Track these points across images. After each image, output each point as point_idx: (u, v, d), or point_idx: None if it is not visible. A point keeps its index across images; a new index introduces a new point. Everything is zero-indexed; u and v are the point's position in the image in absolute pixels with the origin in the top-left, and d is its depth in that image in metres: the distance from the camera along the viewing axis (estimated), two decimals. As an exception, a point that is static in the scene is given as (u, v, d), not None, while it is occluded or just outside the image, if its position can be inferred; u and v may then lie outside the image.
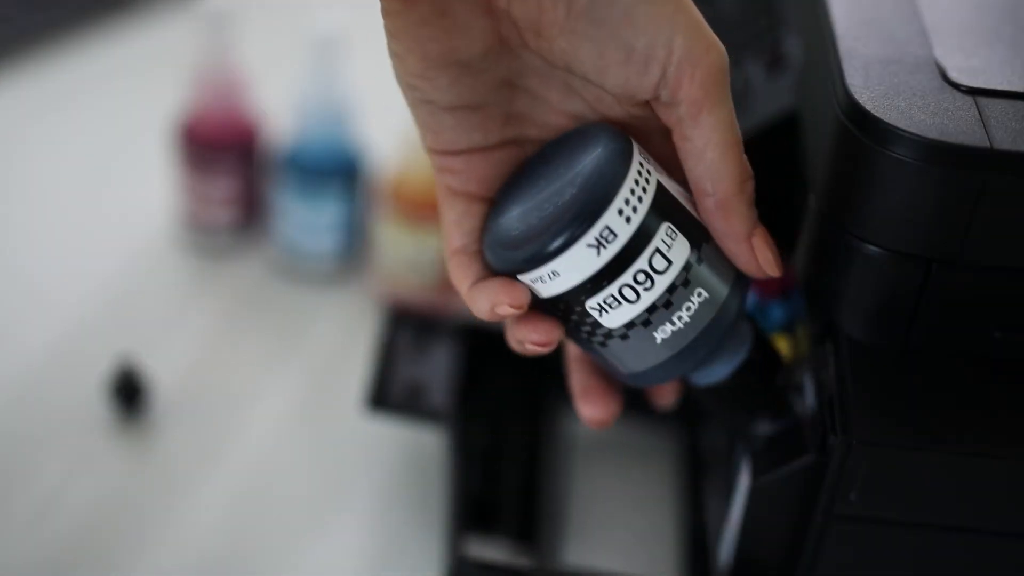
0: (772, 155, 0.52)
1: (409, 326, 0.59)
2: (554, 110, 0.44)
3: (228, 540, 0.56)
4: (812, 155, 0.46)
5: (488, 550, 0.53)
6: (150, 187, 0.76)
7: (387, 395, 0.56)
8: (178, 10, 0.90)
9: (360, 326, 0.68)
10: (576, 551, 0.56)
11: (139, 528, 0.57)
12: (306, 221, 0.69)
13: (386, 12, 0.40)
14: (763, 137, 0.52)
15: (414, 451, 0.61)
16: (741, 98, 0.53)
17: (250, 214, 0.73)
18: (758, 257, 0.42)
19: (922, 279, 0.42)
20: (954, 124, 0.40)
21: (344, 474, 0.60)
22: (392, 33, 0.41)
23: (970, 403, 0.43)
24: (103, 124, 0.81)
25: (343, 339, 0.68)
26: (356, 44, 0.69)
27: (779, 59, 0.52)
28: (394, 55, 0.42)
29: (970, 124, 0.40)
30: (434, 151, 0.43)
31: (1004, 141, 0.40)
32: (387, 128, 0.68)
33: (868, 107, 0.41)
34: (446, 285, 0.66)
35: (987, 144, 0.40)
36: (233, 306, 0.70)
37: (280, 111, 0.70)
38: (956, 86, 0.42)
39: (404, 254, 0.67)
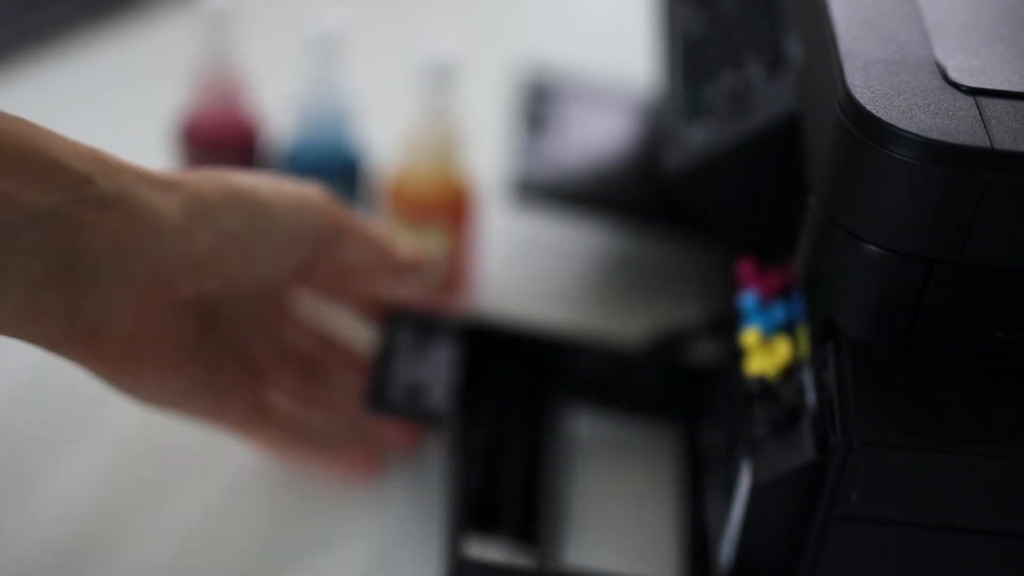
0: (772, 155, 0.52)
1: (409, 325, 0.59)
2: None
3: (223, 540, 0.56)
4: (812, 155, 0.46)
5: (488, 550, 0.53)
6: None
7: (387, 395, 0.56)
8: (178, 10, 0.90)
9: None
10: (576, 551, 0.56)
11: (137, 528, 0.57)
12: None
13: (111, 381, 0.48)
14: (763, 138, 0.52)
15: (414, 452, 0.61)
16: (741, 99, 0.53)
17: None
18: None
19: (922, 279, 0.42)
20: (955, 124, 0.40)
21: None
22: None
23: (971, 403, 0.43)
24: (103, 124, 0.81)
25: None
26: (356, 44, 0.69)
27: (779, 59, 0.52)
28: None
29: (971, 124, 0.40)
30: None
31: (1005, 141, 0.40)
32: (387, 128, 0.68)
33: (869, 107, 0.41)
34: (446, 285, 0.66)
35: (988, 144, 0.40)
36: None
37: (280, 111, 0.70)
38: (957, 86, 0.42)
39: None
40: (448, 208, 0.64)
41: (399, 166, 0.65)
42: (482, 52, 0.83)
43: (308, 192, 0.52)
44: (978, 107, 0.41)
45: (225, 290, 0.49)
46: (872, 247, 0.43)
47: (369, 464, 0.58)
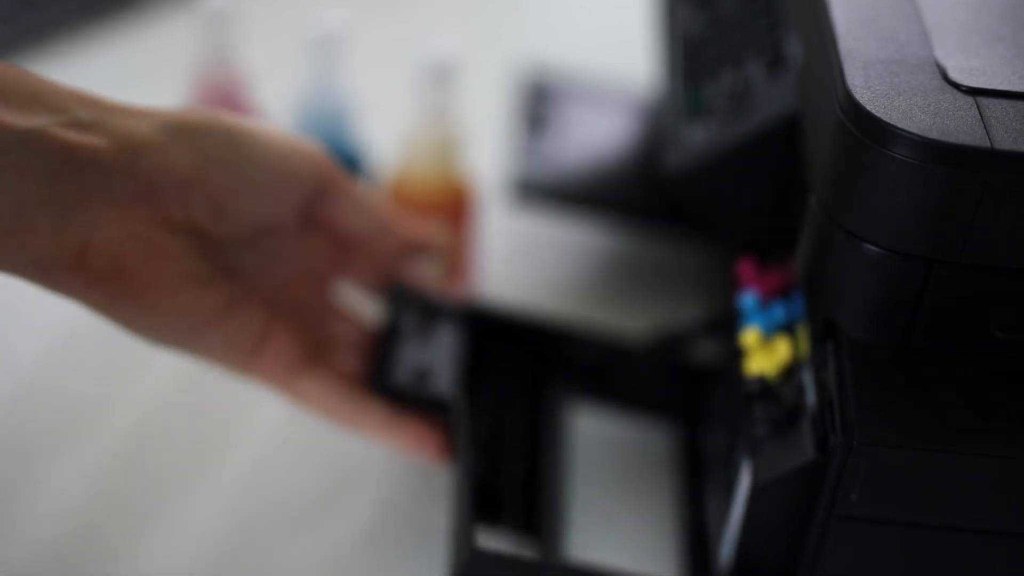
0: (772, 155, 0.52)
1: (414, 306, 0.58)
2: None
3: (229, 537, 0.56)
4: (812, 155, 0.46)
5: (495, 541, 0.53)
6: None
7: (393, 377, 0.55)
8: (178, 10, 0.90)
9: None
10: (576, 546, 0.56)
11: (137, 529, 0.57)
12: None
13: (104, 305, 0.48)
14: (763, 138, 0.52)
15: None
16: (742, 99, 0.53)
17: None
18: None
19: (922, 279, 0.42)
20: (955, 124, 0.40)
21: (346, 469, 0.60)
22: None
23: (971, 403, 0.43)
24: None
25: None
26: (356, 44, 0.69)
27: (779, 60, 0.52)
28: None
29: (971, 124, 0.40)
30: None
31: (1005, 141, 0.40)
32: (387, 128, 0.68)
33: (869, 107, 0.41)
34: (446, 285, 0.66)
35: (987, 144, 0.40)
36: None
37: (280, 111, 0.70)
38: (957, 86, 0.42)
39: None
40: (448, 208, 0.64)
41: (399, 166, 0.65)
42: (482, 52, 0.83)
43: (300, 140, 0.52)
44: (978, 107, 0.41)
45: (217, 219, 0.49)
46: (872, 247, 0.43)
47: (438, 439, 0.55)
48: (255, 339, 0.51)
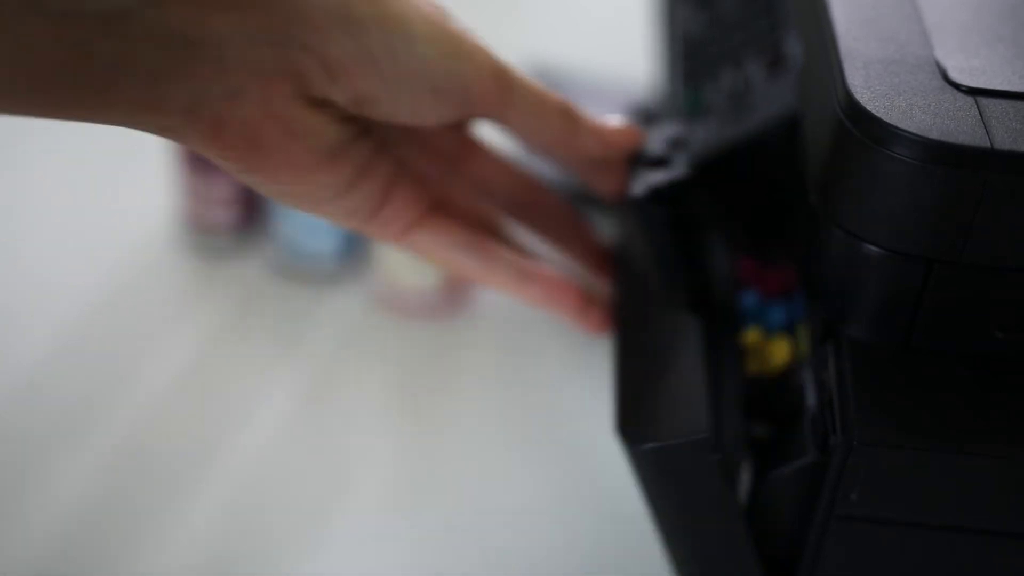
0: (772, 155, 0.52)
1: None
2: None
3: (227, 541, 0.56)
4: (812, 155, 0.46)
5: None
6: (150, 187, 0.76)
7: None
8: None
9: (360, 327, 0.68)
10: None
11: (137, 529, 0.57)
12: (306, 221, 0.69)
13: (236, 170, 0.44)
14: (763, 137, 0.52)
15: (417, 452, 0.61)
16: (742, 99, 0.53)
17: (250, 214, 0.73)
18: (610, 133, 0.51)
19: (923, 279, 0.42)
20: (955, 124, 0.40)
21: (345, 474, 0.60)
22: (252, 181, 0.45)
23: (971, 403, 0.43)
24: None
25: (343, 339, 0.68)
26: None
27: (779, 59, 0.52)
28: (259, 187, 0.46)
29: (971, 124, 0.40)
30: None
31: (1005, 141, 0.40)
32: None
33: (869, 107, 0.41)
34: (446, 284, 0.66)
35: (988, 144, 0.40)
36: (233, 306, 0.70)
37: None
38: (957, 86, 0.42)
39: (405, 254, 0.67)
40: (448, 208, 0.64)
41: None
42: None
43: (467, 42, 0.47)
44: (978, 107, 0.41)
45: (360, 110, 0.45)
46: (872, 247, 0.43)
47: (576, 296, 0.52)
48: (376, 203, 0.48)
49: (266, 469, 0.60)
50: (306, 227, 0.69)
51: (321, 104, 0.44)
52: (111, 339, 0.67)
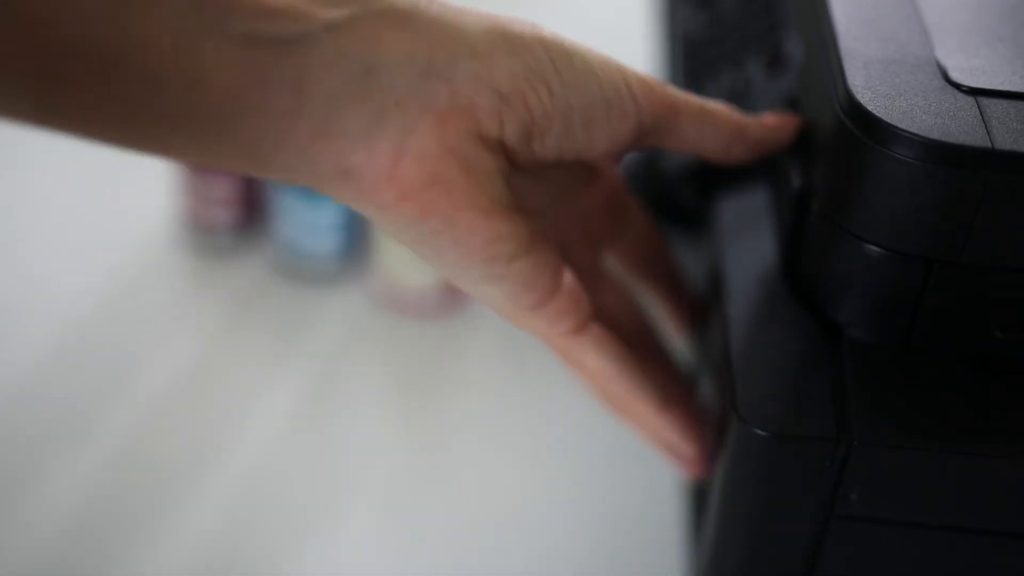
0: (773, 155, 0.52)
1: None
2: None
3: (228, 541, 0.56)
4: (813, 155, 0.46)
5: None
6: (150, 187, 0.76)
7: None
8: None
9: (360, 326, 0.68)
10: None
11: (137, 529, 0.57)
12: (306, 221, 0.69)
13: (410, 216, 0.42)
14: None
15: (417, 452, 0.61)
16: (741, 98, 0.53)
17: (250, 214, 0.73)
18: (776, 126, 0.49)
19: (923, 279, 0.42)
20: (956, 124, 0.40)
21: (345, 474, 0.60)
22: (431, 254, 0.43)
23: (971, 403, 0.43)
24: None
25: (343, 339, 0.68)
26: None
27: (779, 59, 0.52)
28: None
29: (971, 124, 0.40)
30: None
31: (1006, 141, 0.40)
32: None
33: (869, 107, 0.41)
34: (448, 286, 0.66)
35: (988, 144, 0.40)
36: (233, 306, 0.70)
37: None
38: (957, 86, 0.42)
39: (405, 254, 0.67)
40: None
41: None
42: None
43: (631, 71, 0.46)
44: (979, 107, 0.41)
45: (528, 141, 0.43)
46: (872, 247, 0.43)
47: (703, 455, 0.49)
48: (549, 284, 0.44)
49: (266, 469, 0.60)
50: (306, 227, 0.69)
51: (493, 146, 0.42)
52: (111, 339, 0.67)
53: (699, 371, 0.53)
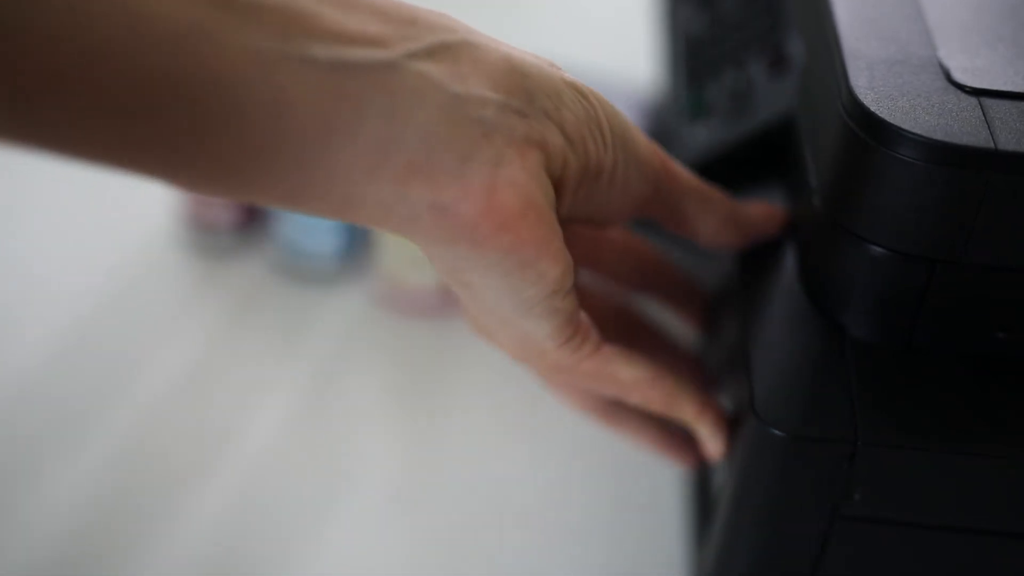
0: (774, 156, 0.52)
1: None
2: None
3: (228, 541, 0.56)
4: (815, 156, 0.46)
5: None
6: (150, 187, 0.76)
7: None
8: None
9: (361, 326, 0.68)
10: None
11: (138, 529, 0.57)
12: (306, 221, 0.69)
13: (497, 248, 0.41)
14: (765, 137, 0.52)
15: (417, 452, 0.61)
16: (744, 99, 0.53)
17: (251, 214, 0.73)
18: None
19: (925, 279, 0.42)
20: (958, 125, 0.40)
21: (346, 473, 0.60)
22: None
23: (972, 403, 0.43)
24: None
25: (343, 339, 0.68)
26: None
27: (781, 60, 0.52)
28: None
29: (974, 125, 0.40)
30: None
31: (1009, 142, 0.40)
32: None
33: (872, 108, 0.41)
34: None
35: (991, 145, 0.40)
36: (234, 306, 0.70)
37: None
38: (960, 87, 0.42)
39: (405, 254, 0.67)
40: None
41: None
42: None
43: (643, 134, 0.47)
44: (982, 108, 0.41)
45: (577, 187, 0.43)
46: (874, 247, 0.43)
47: (693, 448, 0.51)
48: (579, 313, 0.45)
49: (267, 468, 0.60)
50: (306, 227, 0.69)
51: (557, 182, 0.42)
52: (112, 338, 0.66)
53: (710, 371, 0.53)
